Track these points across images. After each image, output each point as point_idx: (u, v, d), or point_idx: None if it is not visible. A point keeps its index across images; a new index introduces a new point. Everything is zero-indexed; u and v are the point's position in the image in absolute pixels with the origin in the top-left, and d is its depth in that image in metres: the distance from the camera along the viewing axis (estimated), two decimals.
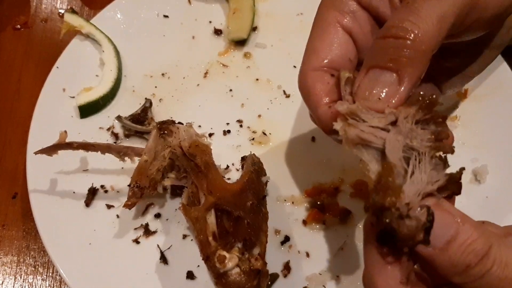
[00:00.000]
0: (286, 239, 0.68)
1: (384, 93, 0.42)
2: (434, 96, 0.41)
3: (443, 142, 0.41)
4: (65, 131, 0.64)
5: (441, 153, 0.41)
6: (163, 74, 0.80)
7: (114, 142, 0.73)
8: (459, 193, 0.42)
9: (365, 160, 0.41)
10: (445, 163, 0.41)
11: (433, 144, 0.41)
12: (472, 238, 0.39)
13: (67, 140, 0.64)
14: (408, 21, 0.42)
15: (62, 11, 0.92)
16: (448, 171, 0.41)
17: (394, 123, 0.41)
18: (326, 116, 0.46)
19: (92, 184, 0.70)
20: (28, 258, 0.72)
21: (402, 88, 0.42)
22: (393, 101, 0.42)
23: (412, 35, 0.42)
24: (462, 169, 0.42)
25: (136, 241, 0.67)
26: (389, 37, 0.43)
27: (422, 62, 0.43)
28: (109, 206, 0.69)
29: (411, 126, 0.41)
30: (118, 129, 0.75)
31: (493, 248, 0.39)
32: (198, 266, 0.65)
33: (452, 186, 0.41)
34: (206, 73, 0.81)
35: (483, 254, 0.38)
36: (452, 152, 0.41)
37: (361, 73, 0.44)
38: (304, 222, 0.69)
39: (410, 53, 0.42)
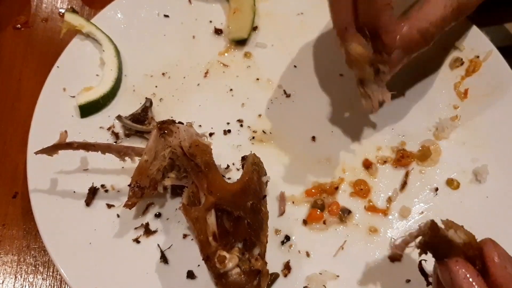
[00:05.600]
0: (286, 239, 0.68)
1: None
2: None
3: None
4: (66, 131, 0.64)
5: None
6: (163, 74, 0.80)
7: (115, 142, 0.74)
8: None
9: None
10: None
11: None
12: None
13: (68, 140, 0.64)
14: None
15: (63, 11, 0.92)
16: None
17: None
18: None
19: (93, 183, 0.70)
20: (29, 257, 0.72)
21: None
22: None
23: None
24: None
25: (137, 240, 0.67)
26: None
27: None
28: (109, 206, 0.69)
29: None
30: (119, 129, 0.75)
31: None
32: (199, 265, 0.65)
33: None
34: (206, 72, 0.81)
35: None
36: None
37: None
38: (304, 222, 0.69)
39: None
